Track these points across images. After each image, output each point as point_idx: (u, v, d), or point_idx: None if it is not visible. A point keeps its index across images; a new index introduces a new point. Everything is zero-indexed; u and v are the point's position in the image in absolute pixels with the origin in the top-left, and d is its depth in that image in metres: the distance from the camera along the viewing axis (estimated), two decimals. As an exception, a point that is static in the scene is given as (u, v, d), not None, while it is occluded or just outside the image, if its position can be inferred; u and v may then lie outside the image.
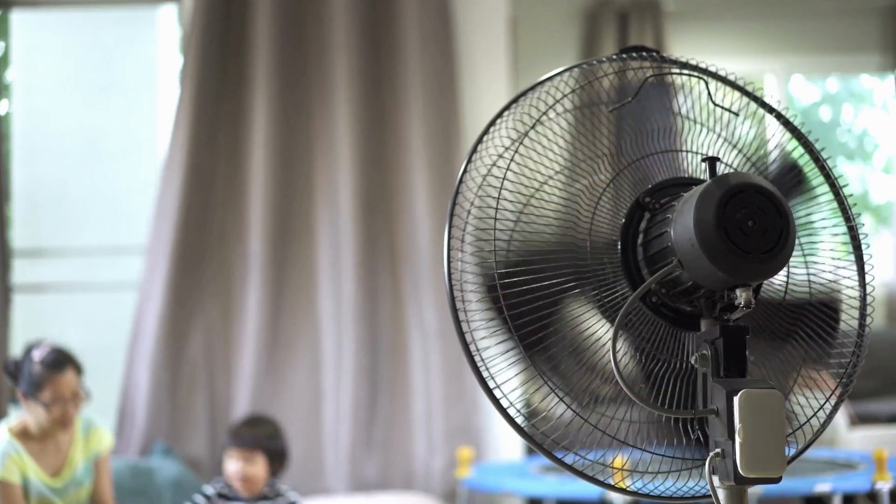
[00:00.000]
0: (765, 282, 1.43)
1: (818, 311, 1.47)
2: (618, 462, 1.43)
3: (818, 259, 1.49)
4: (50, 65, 5.31)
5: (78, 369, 3.24)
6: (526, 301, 1.40)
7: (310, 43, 4.48)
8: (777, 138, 1.50)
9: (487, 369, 1.41)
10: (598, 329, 1.41)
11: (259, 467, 3.52)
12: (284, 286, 4.38)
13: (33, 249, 5.04)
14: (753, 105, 1.52)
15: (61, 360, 3.21)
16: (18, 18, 5.24)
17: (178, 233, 4.34)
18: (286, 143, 4.43)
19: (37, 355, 3.20)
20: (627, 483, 1.43)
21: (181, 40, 4.57)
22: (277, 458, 3.60)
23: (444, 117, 4.40)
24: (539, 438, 1.41)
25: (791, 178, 1.47)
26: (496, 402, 1.39)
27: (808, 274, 1.49)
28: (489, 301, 1.40)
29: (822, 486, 3.18)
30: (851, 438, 4.68)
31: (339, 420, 4.29)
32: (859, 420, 4.84)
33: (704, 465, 1.40)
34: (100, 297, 5.00)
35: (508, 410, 1.40)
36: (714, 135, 1.51)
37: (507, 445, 4.35)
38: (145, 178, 5.04)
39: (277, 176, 4.41)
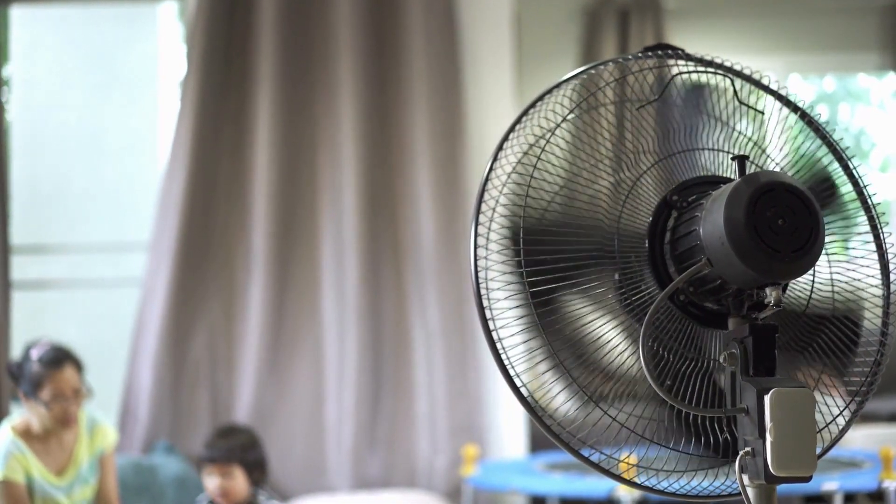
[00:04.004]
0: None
1: (840, 322, 1.46)
2: (638, 460, 1.42)
3: (841, 258, 1.49)
4: (50, 61, 5.30)
5: (78, 366, 3.22)
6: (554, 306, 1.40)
7: (314, 40, 4.48)
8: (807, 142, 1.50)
9: (513, 367, 1.40)
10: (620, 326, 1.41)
11: (238, 480, 3.49)
12: (288, 284, 4.38)
13: (33, 246, 5.02)
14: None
15: (60, 358, 3.18)
16: (18, 14, 5.22)
17: (181, 230, 4.33)
18: (290, 140, 4.42)
19: (35, 354, 3.18)
20: (652, 482, 1.43)
21: (185, 37, 4.56)
22: (255, 468, 3.56)
23: (449, 115, 4.40)
24: (565, 437, 1.40)
25: (823, 191, 1.47)
26: (523, 399, 1.38)
27: (832, 273, 1.49)
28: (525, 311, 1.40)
29: (829, 485, 3.19)
30: (852, 437, 4.69)
31: (342, 418, 4.28)
32: (860, 419, 4.85)
33: (728, 463, 1.40)
34: (100, 293, 4.99)
35: (534, 408, 1.39)
36: (739, 133, 1.51)
37: (510, 443, 4.35)
38: (145, 175, 5.04)
39: (281, 173, 4.40)
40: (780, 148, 1.52)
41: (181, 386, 4.32)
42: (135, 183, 5.14)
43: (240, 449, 3.52)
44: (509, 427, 4.36)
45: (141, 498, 3.88)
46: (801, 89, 7.29)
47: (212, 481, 3.49)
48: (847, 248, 1.50)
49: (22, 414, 3.27)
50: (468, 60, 4.51)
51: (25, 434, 3.18)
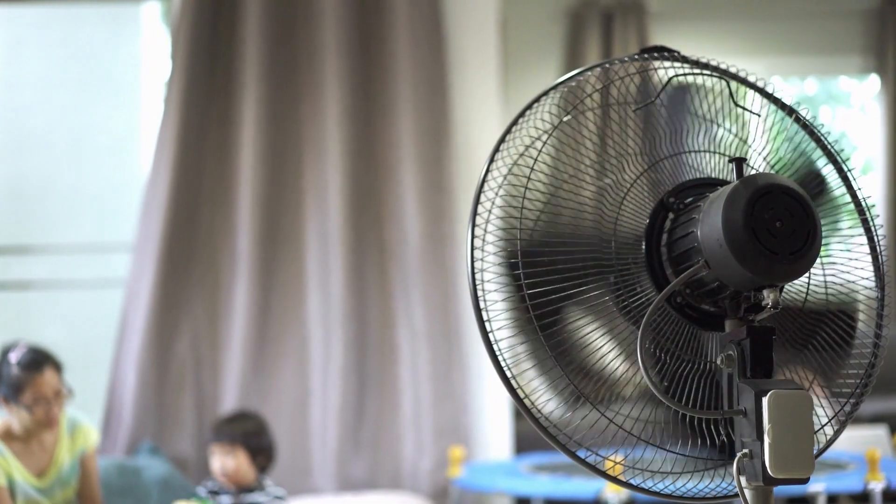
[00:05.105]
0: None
1: (836, 318, 1.47)
2: (634, 462, 1.42)
3: (836, 260, 1.50)
4: (33, 60, 5.28)
5: (57, 367, 3.19)
6: (548, 302, 1.40)
7: (299, 42, 4.46)
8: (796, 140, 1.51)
9: (509, 368, 1.40)
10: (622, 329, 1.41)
11: (241, 461, 3.50)
12: (272, 285, 4.36)
13: (17, 246, 5.00)
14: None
15: (39, 360, 3.15)
16: (1, 14, 5.19)
17: (165, 231, 4.30)
18: (275, 141, 4.41)
19: (13, 357, 3.14)
20: (648, 485, 1.42)
21: (170, 38, 4.54)
22: (261, 453, 3.58)
23: (434, 116, 4.39)
24: (561, 439, 1.40)
25: (814, 187, 1.48)
26: (520, 401, 1.38)
27: (825, 275, 1.49)
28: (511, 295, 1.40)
29: (815, 487, 3.20)
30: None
31: (326, 419, 4.27)
32: (843, 420, 4.85)
33: (724, 465, 1.40)
34: (84, 294, 4.97)
35: (531, 410, 1.39)
36: (732, 136, 1.51)
37: (495, 445, 4.35)
38: (129, 176, 5.02)
39: (266, 175, 4.38)
40: (768, 146, 1.53)
41: (166, 387, 4.30)
42: (119, 184, 5.12)
43: (243, 432, 3.54)
44: (494, 429, 4.35)
45: (125, 499, 3.86)
46: (782, 91, 7.32)
47: (215, 461, 3.51)
48: (831, 244, 1.51)
49: (1, 416, 3.24)
50: (454, 62, 4.51)
51: (6, 436, 3.16)
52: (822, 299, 1.48)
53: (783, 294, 1.42)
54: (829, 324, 1.46)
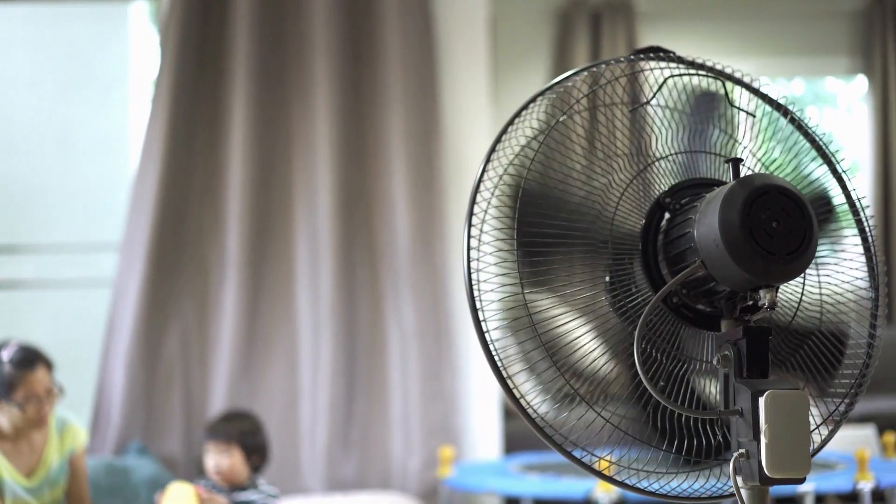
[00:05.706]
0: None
1: (825, 340, 1.46)
2: (629, 462, 1.42)
3: (829, 261, 1.50)
4: (21, 59, 5.25)
5: (49, 366, 3.19)
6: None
7: (289, 41, 4.45)
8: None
9: (505, 368, 1.40)
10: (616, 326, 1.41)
11: (235, 460, 3.49)
12: (262, 285, 4.35)
13: (4, 246, 4.98)
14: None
15: (31, 358, 3.15)
16: (-12, 12, 5.18)
17: (154, 230, 4.29)
18: (265, 142, 4.40)
19: (5, 356, 3.14)
20: (644, 485, 1.42)
21: (158, 37, 4.52)
22: (255, 452, 3.57)
23: (424, 115, 4.39)
24: (557, 439, 1.40)
25: (820, 210, 1.48)
26: (517, 402, 1.38)
27: (819, 276, 1.49)
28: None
29: (804, 487, 3.20)
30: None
31: (316, 419, 4.27)
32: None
33: (718, 465, 1.41)
34: (71, 294, 4.95)
35: (528, 411, 1.39)
36: (727, 136, 1.51)
37: (484, 445, 4.35)
38: (117, 175, 5.00)
39: (255, 175, 4.37)
40: (763, 146, 1.53)
41: (154, 387, 4.28)
42: (107, 183, 5.10)
43: (239, 431, 3.53)
44: (484, 428, 4.35)
45: (114, 499, 3.85)
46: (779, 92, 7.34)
47: (210, 459, 3.50)
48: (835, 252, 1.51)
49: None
50: (444, 61, 4.51)
51: (-5, 436, 3.15)
52: (816, 300, 1.48)
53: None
54: (816, 343, 1.45)
